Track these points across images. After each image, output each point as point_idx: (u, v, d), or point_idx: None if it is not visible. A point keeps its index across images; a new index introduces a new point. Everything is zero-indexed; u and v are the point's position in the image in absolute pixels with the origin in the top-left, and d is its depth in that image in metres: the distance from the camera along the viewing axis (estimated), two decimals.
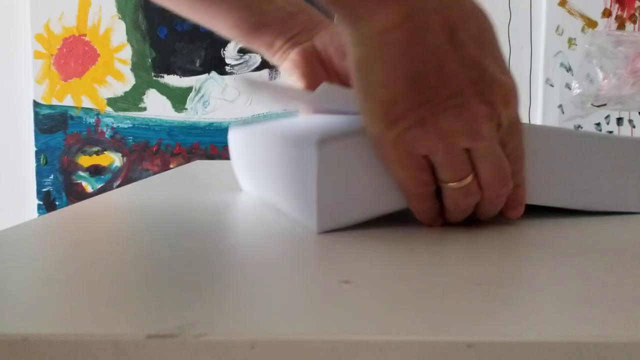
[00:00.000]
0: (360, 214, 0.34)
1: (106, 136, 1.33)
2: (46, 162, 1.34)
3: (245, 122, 1.31)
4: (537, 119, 1.27)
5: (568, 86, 1.24)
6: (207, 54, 1.30)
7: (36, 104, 1.32)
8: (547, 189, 0.37)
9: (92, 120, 1.33)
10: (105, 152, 1.33)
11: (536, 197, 0.36)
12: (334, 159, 0.32)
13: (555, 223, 0.36)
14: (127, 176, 1.33)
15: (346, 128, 0.34)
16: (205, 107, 1.31)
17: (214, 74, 1.30)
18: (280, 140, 0.38)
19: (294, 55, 0.49)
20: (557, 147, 0.37)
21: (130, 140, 1.33)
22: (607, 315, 0.21)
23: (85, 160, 1.34)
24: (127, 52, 1.31)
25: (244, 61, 1.30)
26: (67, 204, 1.33)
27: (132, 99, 1.32)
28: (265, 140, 0.41)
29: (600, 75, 1.04)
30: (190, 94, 1.31)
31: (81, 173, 1.34)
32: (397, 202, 0.34)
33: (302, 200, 0.35)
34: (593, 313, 0.21)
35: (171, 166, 1.32)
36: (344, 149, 0.32)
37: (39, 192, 1.33)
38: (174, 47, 1.29)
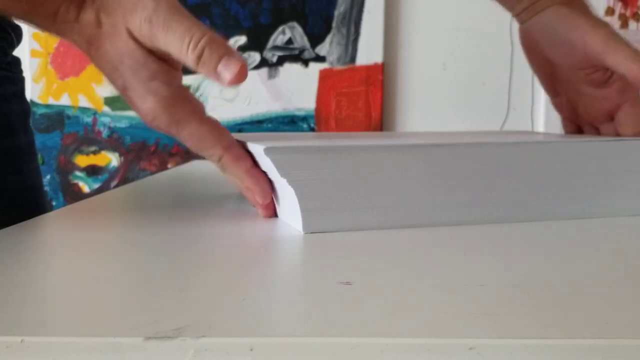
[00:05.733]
0: (341, 223, 0.34)
1: (103, 136, 1.33)
2: (43, 162, 1.33)
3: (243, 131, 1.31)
4: (540, 118, 1.27)
5: None
6: None
7: (33, 104, 1.32)
8: (546, 204, 0.37)
9: (89, 120, 1.33)
10: (102, 152, 1.33)
11: (536, 214, 0.37)
12: (288, 163, 0.33)
13: (556, 223, 0.36)
14: (125, 176, 1.33)
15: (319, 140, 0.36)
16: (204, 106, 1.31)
17: None
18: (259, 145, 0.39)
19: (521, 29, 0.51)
20: (547, 160, 0.37)
21: (128, 140, 1.33)
22: (609, 316, 0.20)
23: (82, 160, 1.33)
24: None
25: None
26: (64, 205, 1.33)
27: None
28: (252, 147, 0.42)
29: None
30: None
31: (78, 173, 1.34)
32: (374, 221, 0.35)
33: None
34: (595, 314, 0.21)
35: (169, 166, 1.32)
36: (293, 156, 0.33)
37: None
38: None
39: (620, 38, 0.45)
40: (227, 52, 0.33)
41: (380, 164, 0.34)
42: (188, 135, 0.36)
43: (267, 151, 0.33)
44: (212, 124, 0.37)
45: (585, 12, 0.47)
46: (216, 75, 0.33)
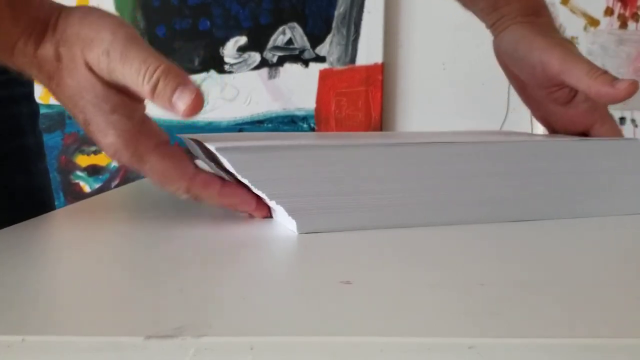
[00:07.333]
0: (335, 223, 0.34)
1: None
2: None
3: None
4: None
5: None
6: (206, 53, 1.30)
7: None
8: (540, 203, 0.37)
9: None
10: (103, 152, 1.33)
11: (529, 213, 0.37)
12: (246, 164, 0.32)
13: (555, 223, 0.36)
14: (125, 176, 1.33)
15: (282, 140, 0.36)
16: (204, 106, 1.31)
17: (212, 72, 1.30)
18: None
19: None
20: (539, 160, 0.37)
21: None
22: (608, 316, 0.20)
23: (83, 160, 1.33)
24: None
25: (243, 60, 1.30)
26: (65, 204, 1.33)
27: None
28: None
29: None
30: None
31: (79, 173, 1.34)
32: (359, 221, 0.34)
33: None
34: (595, 314, 0.21)
35: None
36: (248, 156, 0.32)
37: None
38: (172, 46, 1.29)
39: (579, 54, 0.44)
40: (182, 82, 0.33)
41: (347, 162, 0.33)
42: (150, 170, 0.36)
43: (220, 151, 0.32)
44: (175, 156, 0.36)
45: (545, 30, 0.46)
46: (171, 107, 0.33)
